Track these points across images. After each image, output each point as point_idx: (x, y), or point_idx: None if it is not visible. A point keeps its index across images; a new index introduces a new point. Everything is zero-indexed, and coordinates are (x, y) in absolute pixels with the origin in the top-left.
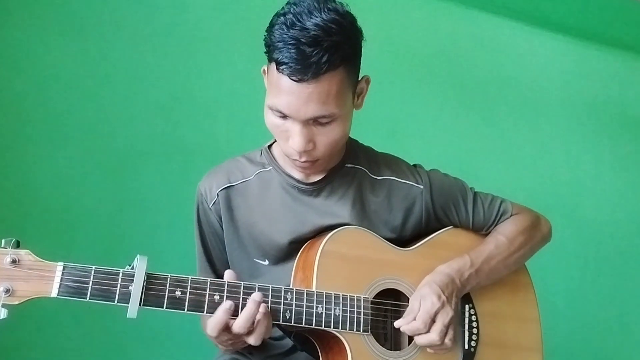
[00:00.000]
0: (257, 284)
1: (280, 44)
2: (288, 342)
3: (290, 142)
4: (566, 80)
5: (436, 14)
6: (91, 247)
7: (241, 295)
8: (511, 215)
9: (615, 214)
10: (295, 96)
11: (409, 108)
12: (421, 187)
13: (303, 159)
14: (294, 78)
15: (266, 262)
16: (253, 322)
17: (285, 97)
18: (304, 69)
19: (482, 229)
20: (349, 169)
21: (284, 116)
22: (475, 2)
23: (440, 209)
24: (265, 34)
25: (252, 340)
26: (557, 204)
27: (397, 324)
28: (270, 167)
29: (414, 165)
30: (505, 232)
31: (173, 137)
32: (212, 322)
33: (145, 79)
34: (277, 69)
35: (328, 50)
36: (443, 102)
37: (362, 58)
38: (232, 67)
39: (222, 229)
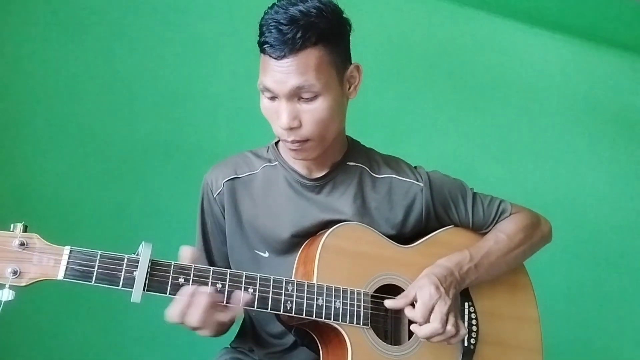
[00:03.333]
0: (259, 275)
1: (264, 28)
2: (289, 340)
3: (278, 121)
4: (566, 80)
5: (436, 13)
6: (92, 246)
7: (243, 285)
8: (511, 215)
9: (614, 214)
10: (278, 71)
11: (408, 108)
12: (421, 184)
13: (291, 139)
14: (273, 56)
15: (266, 254)
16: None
17: (270, 74)
18: (281, 45)
19: (481, 228)
20: (350, 166)
21: (273, 97)
22: (475, 2)
23: (441, 207)
24: (258, 29)
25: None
26: (557, 203)
27: (387, 303)
28: (276, 163)
29: (415, 167)
30: (505, 230)
31: (173, 136)
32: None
33: (146, 78)
34: (261, 50)
35: (303, 27)
36: (443, 102)
37: (361, 57)
38: (232, 67)
39: (225, 219)
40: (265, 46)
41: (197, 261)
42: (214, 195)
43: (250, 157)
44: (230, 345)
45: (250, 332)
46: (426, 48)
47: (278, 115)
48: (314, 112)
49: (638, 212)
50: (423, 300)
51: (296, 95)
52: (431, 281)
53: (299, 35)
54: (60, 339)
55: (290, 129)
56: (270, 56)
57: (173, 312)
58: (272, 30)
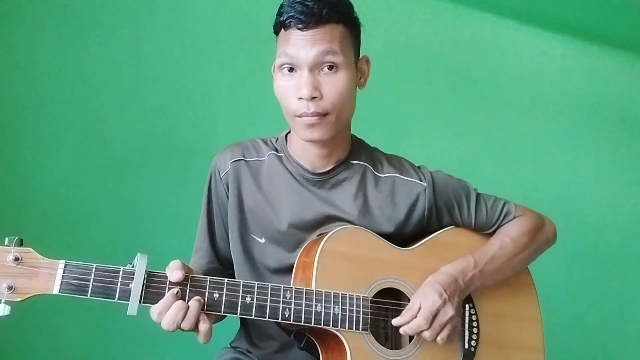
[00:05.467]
0: (256, 283)
1: (287, 7)
2: (286, 342)
3: (298, 93)
4: (566, 80)
5: (436, 14)
6: (91, 248)
7: (240, 294)
8: (515, 217)
9: (615, 214)
10: (302, 40)
11: (409, 108)
12: (424, 184)
13: (311, 110)
14: (299, 26)
15: (262, 240)
16: (179, 319)
17: (293, 44)
18: (307, 17)
19: (484, 230)
20: (354, 164)
21: (292, 69)
22: (475, 2)
23: (444, 207)
24: (276, 17)
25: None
26: (557, 203)
27: (395, 321)
28: (282, 154)
29: (418, 166)
30: (510, 234)
31: (173, 136)
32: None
33: (146, 78)
34: (284, 27)
35: (328, 4)
36: (443, 102)
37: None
38: (232, 67)
39: (228, 199)
40: (288, 20)
41: (190, 271)
42: (220, 175)
43: (260, 144)
44: (230, 345)
45: (246, 334)
46: (427, 48)
47: (298, 88)
48: (335, 83)
49: (638, 212)
50: (427, 306)
51: (318, 65)
52: (435, 289)
53: (325, 10)
54: (60, 339)
55: (312, 99)
56: (296, 27)
57: (154, 309)
58: (296, 6)
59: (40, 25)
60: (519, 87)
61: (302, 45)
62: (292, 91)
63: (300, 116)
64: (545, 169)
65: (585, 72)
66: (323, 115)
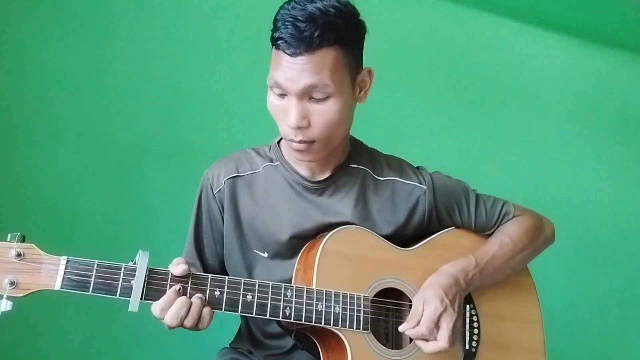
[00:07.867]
0: (257, 281)
1: (280, 23)
2: (287, 342)
3: (286, 120)
4: (566, 80)
5: (436, 14)
6: (92, 246)
7: (241, 292)
8: (514, 217)
9: (615, 214)
10: (291, 68)
11: (408, 108)
12: (424, 187)
13: (298, 139)
14: (288, 52)
15: (265, 255)
16: (182, 315)
17: (282, 70)
18: (297, 42)
19: (484, 230)
20: (353, 169)
21: (283, 94)
22: (475, 2)
23: (444, 209)
24: (272, 23)
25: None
26: (557, 204)
27: (401, 328)
28: (278, 163)
29: (417, 167)
30: (509, 233)
31: (174, 136)
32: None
33: (146, 78)
34: (275, 46)
35: (321, 26)
36: (442, 102)
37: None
38: (232, 67)
39: (222, 217)
40: (279, 42)
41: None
42: (214, 192)
43: (253, 155)
44: (229, 345)
45: (248, 333)
46: (427, 48)
47: (287, 114)
48: (324, 113)
49: (638, 212)
50: (429, 314)
51: (307, 94)
52: (436, 294)
53: (316, 34)
54: (60, 339)
55: (299, 128)
56: (285, 52)
57: (156, 305)
58: (289, 26)
59: (41, 25)
60: (519, 87)
61: (290, 75)
62: (282, 114)
63: (289, 140)
64: (545, 169)
65: (585, 72)
66: (310, 142)
